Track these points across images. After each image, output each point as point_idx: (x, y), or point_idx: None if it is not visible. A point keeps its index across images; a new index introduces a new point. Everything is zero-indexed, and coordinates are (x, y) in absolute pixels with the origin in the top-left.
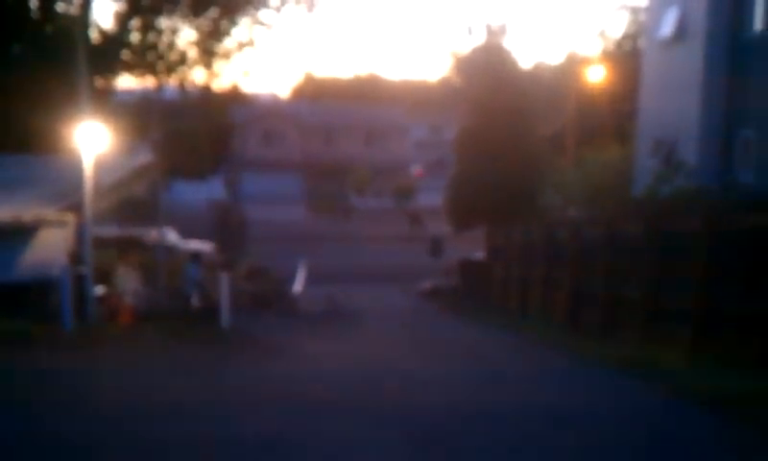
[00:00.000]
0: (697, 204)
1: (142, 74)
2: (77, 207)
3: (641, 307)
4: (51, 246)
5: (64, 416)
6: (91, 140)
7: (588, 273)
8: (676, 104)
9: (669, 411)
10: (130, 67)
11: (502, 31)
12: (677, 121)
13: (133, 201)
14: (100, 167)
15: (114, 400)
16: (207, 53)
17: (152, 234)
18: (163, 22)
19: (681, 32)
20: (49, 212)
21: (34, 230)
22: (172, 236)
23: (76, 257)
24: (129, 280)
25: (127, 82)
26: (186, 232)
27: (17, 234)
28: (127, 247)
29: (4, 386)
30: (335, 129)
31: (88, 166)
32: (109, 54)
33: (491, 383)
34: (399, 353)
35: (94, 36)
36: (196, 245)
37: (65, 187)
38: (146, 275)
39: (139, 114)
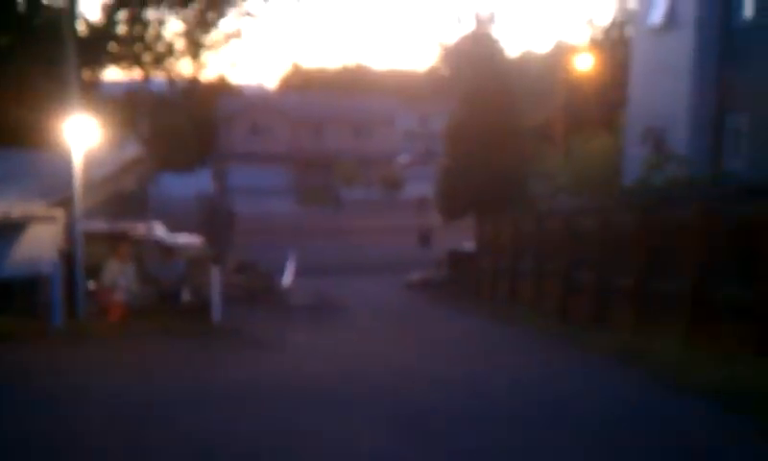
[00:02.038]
0: (690, 192)
1: (129, 66)
2: (66, 203)
3: (635, 297)
4: (40, 242)
5: (48, 411)
6: (80, 134)
7: (580, 262)
8: (666, 92)
9: (668, 401)
10: (117, 59)
11: (490, 19)
12: (667, 109)
13: (121, 195)
14: (89, 161)
15: (100, 396)
16: (194, 44)
17: (139, 229)
18: (150, 13)
19: (671, 19)
20: (38, 208)
21: (22, 226)
22: (160, 230)
23: (66, 253)
24: (119, 275)
25: (113, 74)
26: (175, 226)
27: (6, 230)
28: (116, 241)
29: None
30: (323, 120)
31: (78, 161)
32: (97, 46)
33: (488, 376)
34: (388, 346)
35: (81, 28)
36: (184, 239)
37: (54, 182)
38: (135, 270)
39: (126, 107)
